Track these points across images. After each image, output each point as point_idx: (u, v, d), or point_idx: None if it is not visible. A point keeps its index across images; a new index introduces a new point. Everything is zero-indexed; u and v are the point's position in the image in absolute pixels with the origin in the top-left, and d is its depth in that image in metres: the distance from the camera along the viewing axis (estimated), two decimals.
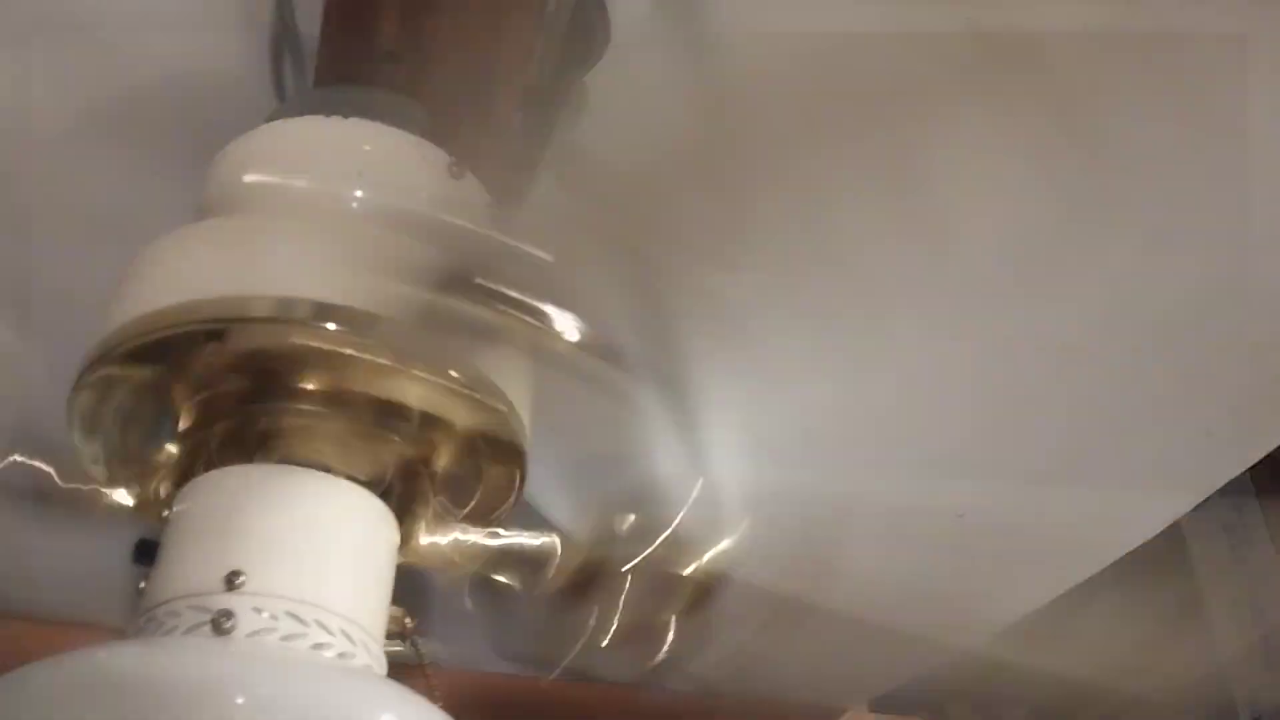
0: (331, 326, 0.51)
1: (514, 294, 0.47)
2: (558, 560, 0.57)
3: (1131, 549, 0.93)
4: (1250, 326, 0.85)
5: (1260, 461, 0.93)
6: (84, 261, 0.64)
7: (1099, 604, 1.03)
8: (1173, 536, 1.08)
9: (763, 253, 0.76)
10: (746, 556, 0.56)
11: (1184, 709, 1.18)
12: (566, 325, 0.49)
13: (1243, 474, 1.00)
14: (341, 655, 0.49)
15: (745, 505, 0.57)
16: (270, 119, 0.64)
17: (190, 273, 0.53)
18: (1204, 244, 0.78)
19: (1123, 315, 0.81)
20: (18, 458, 0.52)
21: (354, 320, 0.51)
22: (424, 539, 0.57)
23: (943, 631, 0.90)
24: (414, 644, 0.57)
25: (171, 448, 0.56)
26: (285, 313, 0.51)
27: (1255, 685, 1.41)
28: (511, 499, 0.57)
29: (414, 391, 0.54)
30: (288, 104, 0.65)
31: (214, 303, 0.51)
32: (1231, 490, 1.07)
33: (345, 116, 0.61)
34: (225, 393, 0.55)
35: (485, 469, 0.57)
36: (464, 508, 0.58)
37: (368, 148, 0.61)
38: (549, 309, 0.48)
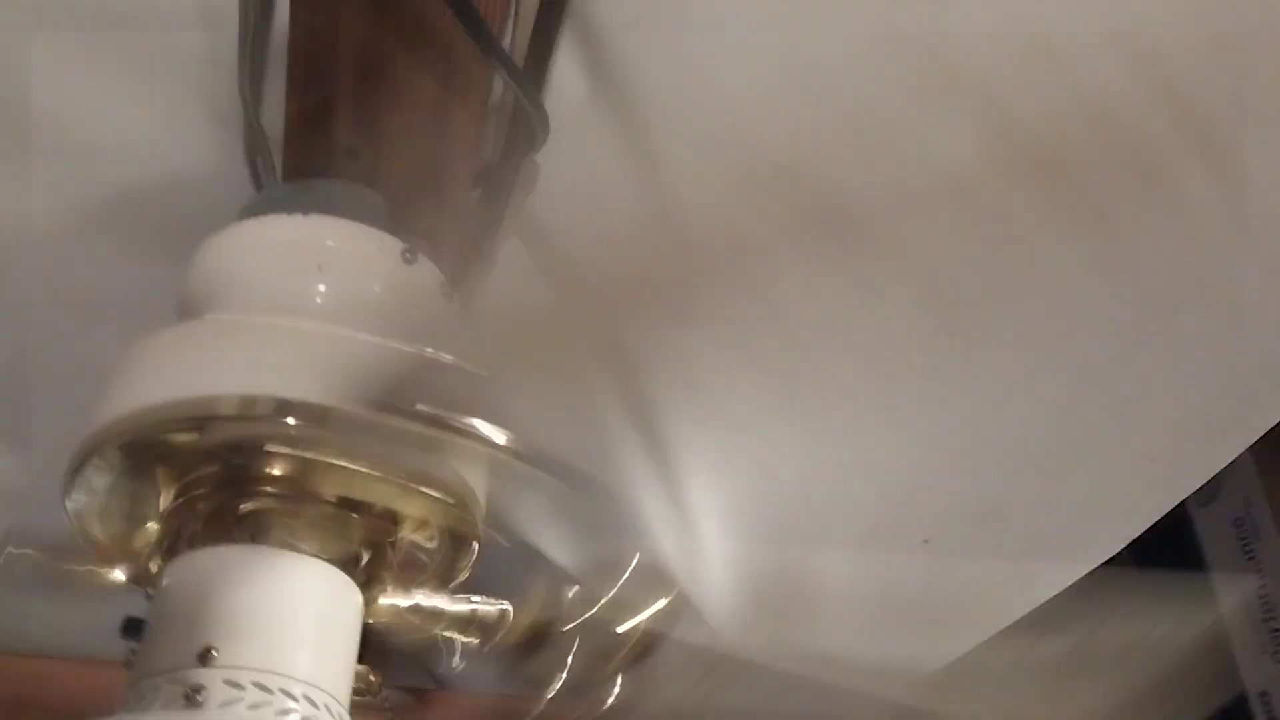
0: (290, 421, 0.57)
1: (446, 412, 0.53)
2: (508, 623, 0.63)
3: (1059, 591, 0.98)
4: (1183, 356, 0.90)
5: None
6: (80, 346, 0.70)
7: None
8: None
9: (713, 313, 0.81)
10: (683, 616, 0.62)
11: None
12: (501, 437, 0.54)
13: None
14: (304, 718, 0.55)
15: (684, 569, 0.62)
16: (241, 214, 0.70)
17: (168, 373, 0.59)
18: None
19: (1050, 358, 0.85)
20: (12, 550, 0.58)
21: (310, 415, 0.57)
22: (385, 602, 0.63)
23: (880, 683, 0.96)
24: (384, 700, 0.63)
25: (154, 526, 0.62)
26: (249, 410, 0.57)
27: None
28: (465, 573, 0.63)
29: (370, 486, 0.59)
30: (256, 200, 0.70)
31: (187, 403, 0.57)
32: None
33: (305, 213, 0.67)
34: (202, 478, 0.61)
35: (441, 546, 0.62)
36: (423, 574, 0.64)
37: (329, 243, 0.67)
38: (482, 424, 0.54)
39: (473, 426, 0.54)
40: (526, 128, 0.70)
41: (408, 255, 0.68)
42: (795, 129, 0.73)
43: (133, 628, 0.58)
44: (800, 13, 0.65)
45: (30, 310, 0.80)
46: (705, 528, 0.74)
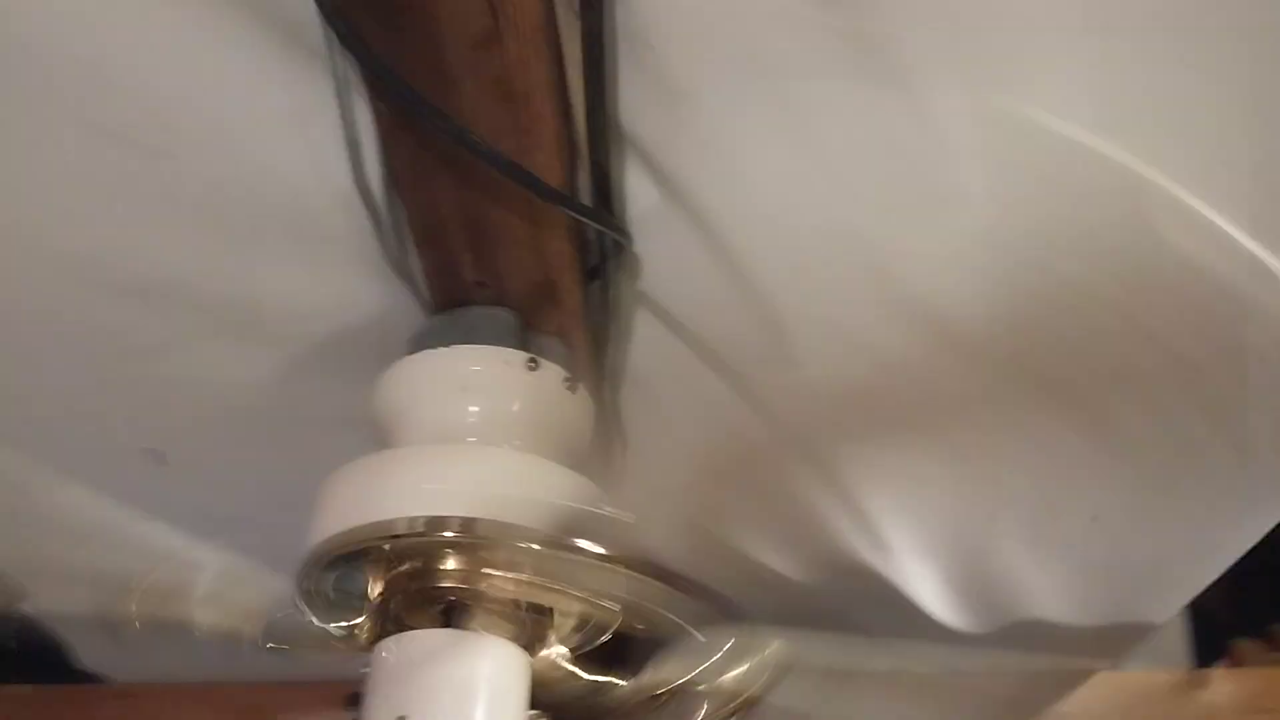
0: (449, 535, 0.72)
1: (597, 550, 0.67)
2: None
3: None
4: None
5: None
6: (292, 460, 0.89)
7: None
8: None
9: None
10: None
11: None
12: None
13: None
14: None
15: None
16: (407, 347, 0.86)
17: (368, 499, 0.76)
18: None
19: None
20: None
21: (489, 532, 0.72)
22: (542, 659, 0.77)
23: None
24: None
25: (365, 616, 0.78)
26: (436, 529, 0.72)
27: None
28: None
29: (541, 592, 0.74)
30: (416, 334, 0.86)
31: (386, 524, 0.73)
32: None
33: (449, 345, 0.82)
34: (401, 575, 0.77)
35: (585, 626, 0.77)
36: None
37: (473, 368, 0.82)
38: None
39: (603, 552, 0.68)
40: (612, 239, 0.82)
41: (531, 364, 0.82)
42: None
43: (354, 700, 0.74)
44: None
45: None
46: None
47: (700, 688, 0.79)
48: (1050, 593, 1.21)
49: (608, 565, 0.71)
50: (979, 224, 0.73)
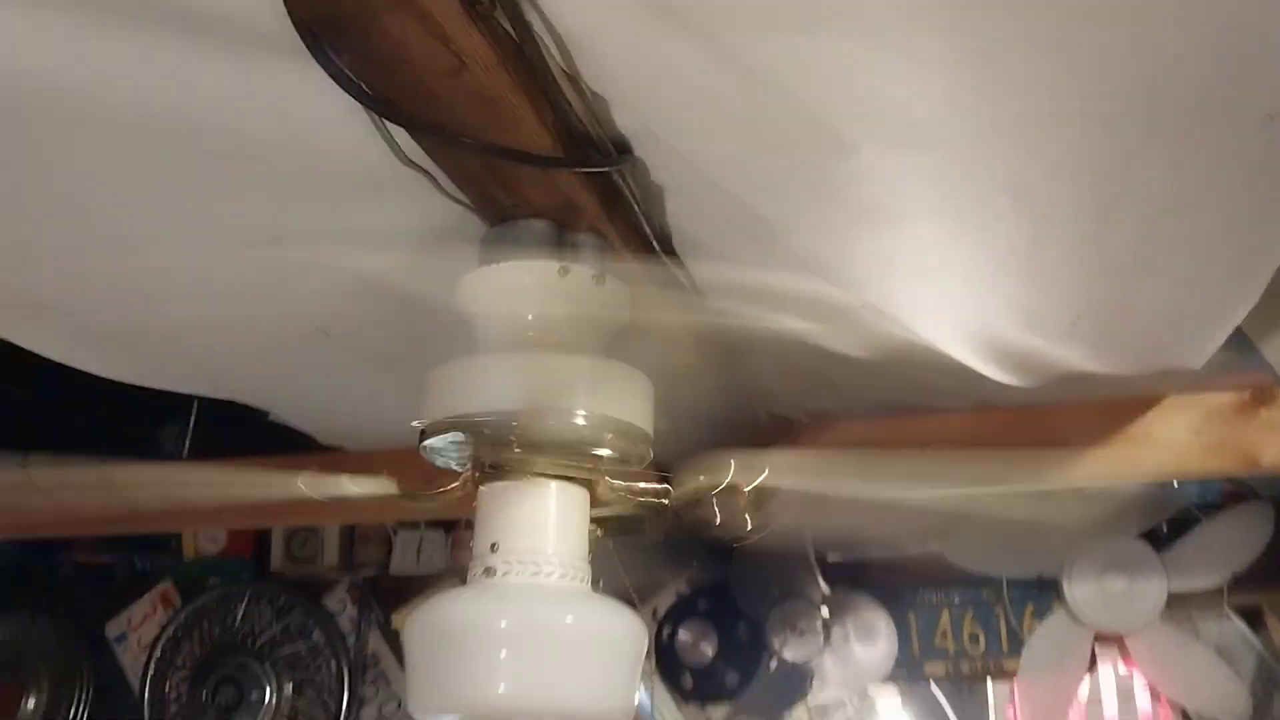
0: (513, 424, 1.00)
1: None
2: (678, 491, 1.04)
3: None
4: None
5: None
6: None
7: None
8: None
9: None
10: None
11: None
12: None
13: None
14: (562, 578, 1.00)
15: None
16: (478, 255, 1.10)
17: (462, 393, 1.04)
18: None
19: None
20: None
21: (531, 421, 0.99)
22: (604, 488, 1.05)
23: None
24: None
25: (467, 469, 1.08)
26: (505, 418, 1.00)
27: None
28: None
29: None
30: (480, 245, 1.10)
31: (471, 415, 1.02)
32: None
33: (499, 261, 1.06)
34: (489, 441, 1.05)
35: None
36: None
37: (524, 280, 1.06)
38: None
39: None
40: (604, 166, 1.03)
41: (563, 270, 1.06)
42: None
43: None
44: None
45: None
46: None
47: (716, 491, 1.06)
48: (1084, 355, 1.37)
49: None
50: None
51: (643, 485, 1.07)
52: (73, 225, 1.04)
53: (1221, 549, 2.21)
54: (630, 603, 1.08)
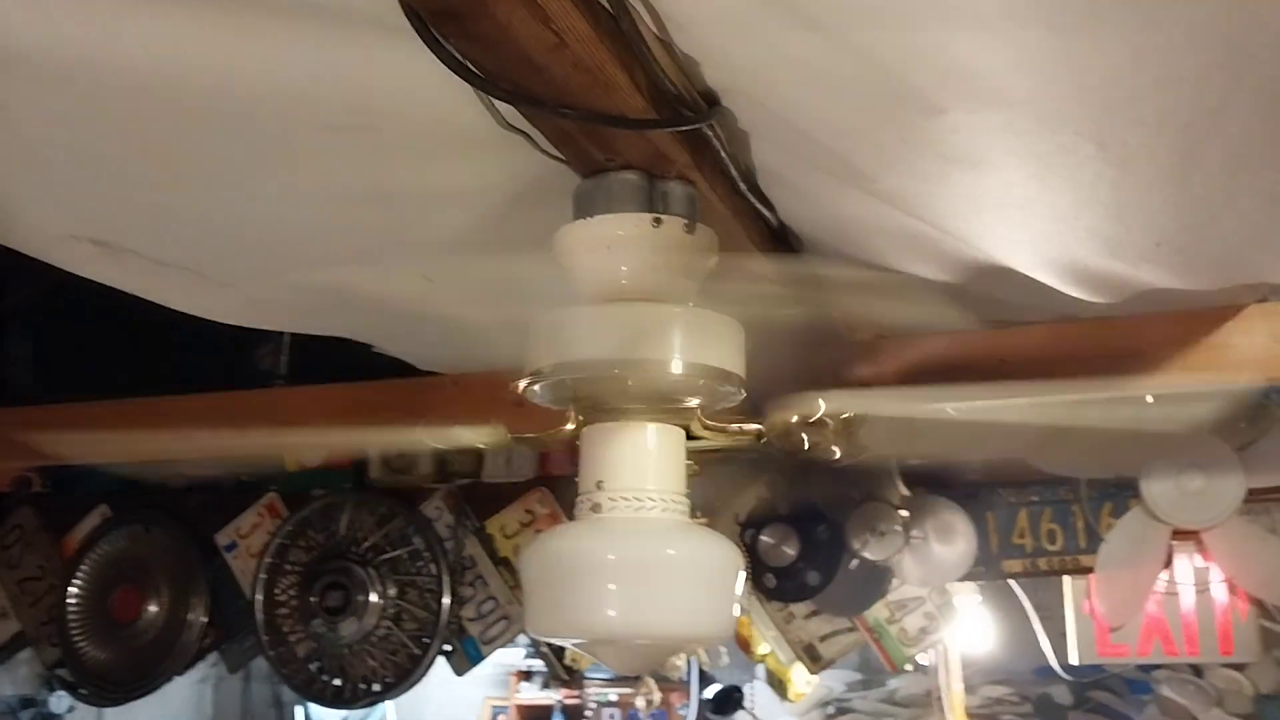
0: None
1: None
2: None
3: None
4: None
5: None
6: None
7: None
8: None
9: None
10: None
11: None
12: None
13: None
14: (663, 511, 1.07)
15: None
16: (573, 207, 1.16)
17: (562, 343, 1.10)
18: None
19: None
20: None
21: (626, 370, 1.05)
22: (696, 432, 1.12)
23: None
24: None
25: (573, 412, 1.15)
26: (602, 367, 1.07)
27: None
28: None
29: None
30: (575, 198, 1.15)
31: (572, 363, 1.08)
32: None
33: (592, 215, 1.12)
34: (596, 388, 1.12)
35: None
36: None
37: (618, 232, 1.11)
38: None
39: None
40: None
41: (655, 222, 1.11)
42: None
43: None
44: None
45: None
46: None
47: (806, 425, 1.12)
48: (1166, 276, 1.40)
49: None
50: None
51: (736, 425, 1.13)
52: (204, 194, 1.12)
53: None
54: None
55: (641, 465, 1.10)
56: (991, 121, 0.93)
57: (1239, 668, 4.45)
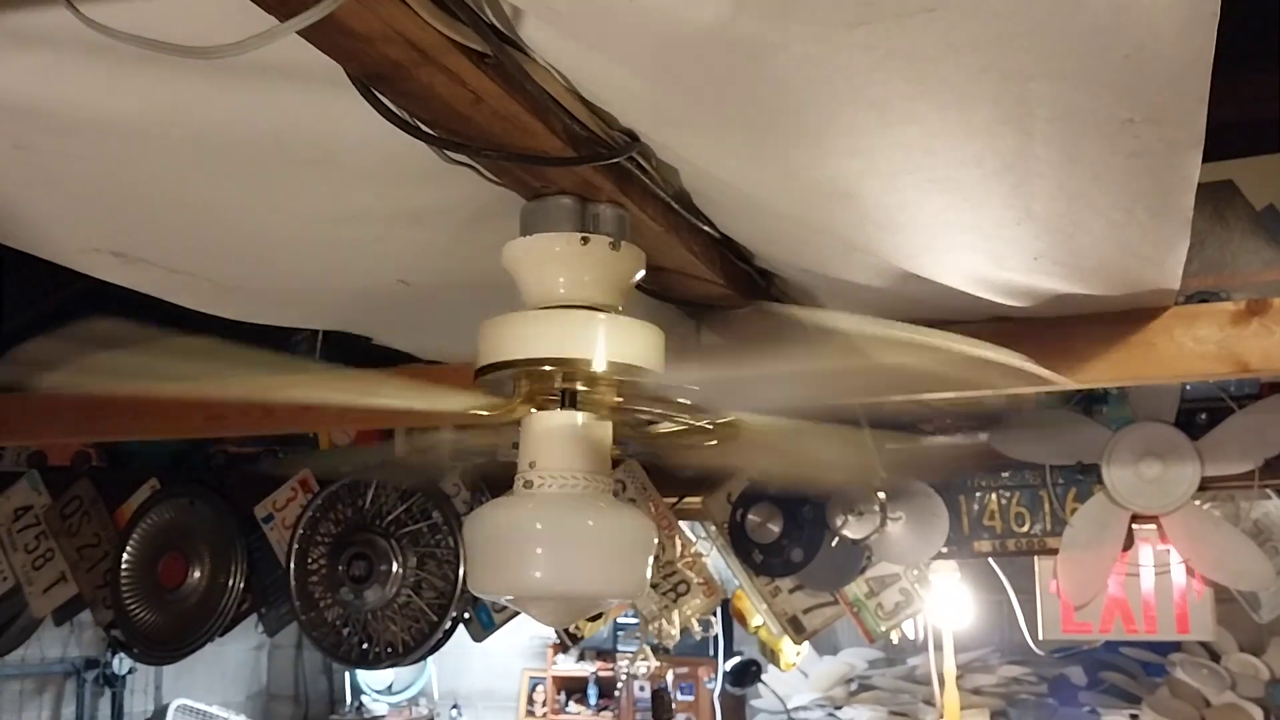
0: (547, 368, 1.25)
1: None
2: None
3: None
4: None
5: None
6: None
7: None
8: None
9: None
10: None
11: None
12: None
13: None
14: (585, 489, 1.26)
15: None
16: (520, 224, 1.35)
17: (508, 343, 1.29)
18: None
19: None
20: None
21: (557, 365, 1.24)
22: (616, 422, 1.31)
23: None
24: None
25: (516, 402, 1.34)
26: (538, 362, 1.26)
27: None
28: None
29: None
30: (521, 217, 1.34)
31: (520, 360, 1.27)
32: None
33: (530, 234, 1.31)
34: (539, 378, 1.31)
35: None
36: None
37: (555, 249, 1.30)
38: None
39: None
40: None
41: (583, 240, 1.30)
42: None
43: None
44: None
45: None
46: None
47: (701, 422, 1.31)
48: (1055, 282, 1.55)
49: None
50: None
51: (643, 417, 1.32)
52: (202, 214, 1.33)
53: (1254, 437, 2.36)
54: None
55: (569, 449, 1.29)
56: (856, 167, 1.12)
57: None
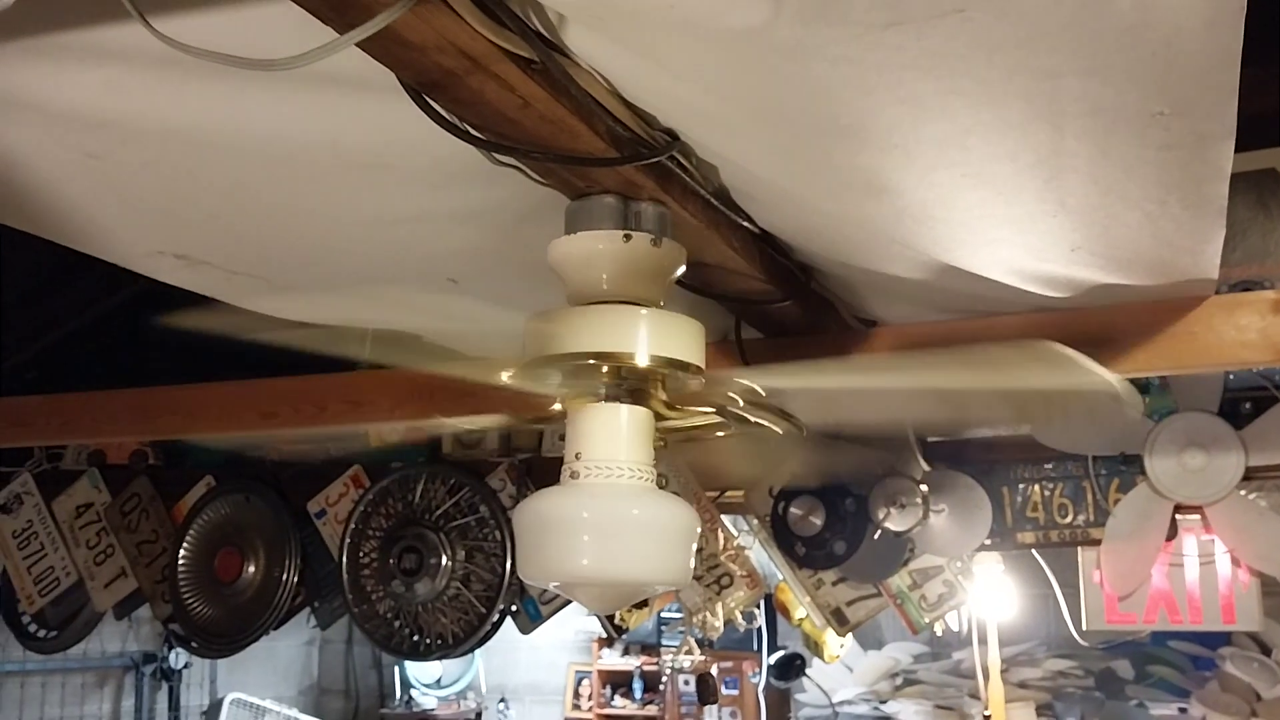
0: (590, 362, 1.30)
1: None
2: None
3: None
4: None
5: None
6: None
7: None
8: None
9: None
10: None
11: None
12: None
13: None
14: (630, 479, 1.30)
15: None
16: (565, 223, 1.39)
17: (554, 338, 1.33)
18: None
19: None
20: None
21: (600, 359, 1.29)
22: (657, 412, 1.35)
23: None
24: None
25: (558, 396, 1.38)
26: (582, 356, 1.30)
27: None
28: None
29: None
30: (566, 216, 1.39)
31: (564, 354, 1.31)
32: None
33: (575, 232, 1.35)
34: (584, 372, 1.35)
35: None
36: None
37: (598, 246, 1.34)
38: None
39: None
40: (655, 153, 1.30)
41: (626, 238, 1.34)
42: None
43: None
44: None
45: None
46: None
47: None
48: (1094, 273, 1.57)
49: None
50: None
51: (692, 408, 1.36)
52: (263, 220, 1.39)
53: None
54: None
55: (614, 440, 1.33)
56: (892, 162, 1.15)
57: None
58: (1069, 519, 2.57)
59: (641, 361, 1.31)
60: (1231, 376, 2.43)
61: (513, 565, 2.97)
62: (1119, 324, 1.93)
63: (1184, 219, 1.33)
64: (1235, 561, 2.48)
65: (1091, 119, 1.05)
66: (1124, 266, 1.54)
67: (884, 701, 5.24)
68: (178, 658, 5.65)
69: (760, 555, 2.90)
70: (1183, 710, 4.64)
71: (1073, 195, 1.21)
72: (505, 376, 1.36)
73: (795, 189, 1.35)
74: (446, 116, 1.16)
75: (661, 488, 1.39)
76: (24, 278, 3.19)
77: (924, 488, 2.58)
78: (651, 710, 6.53)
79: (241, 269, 1.53)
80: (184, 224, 1.43)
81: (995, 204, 1.27)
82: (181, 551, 3.25)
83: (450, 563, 3.01)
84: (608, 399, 1.36)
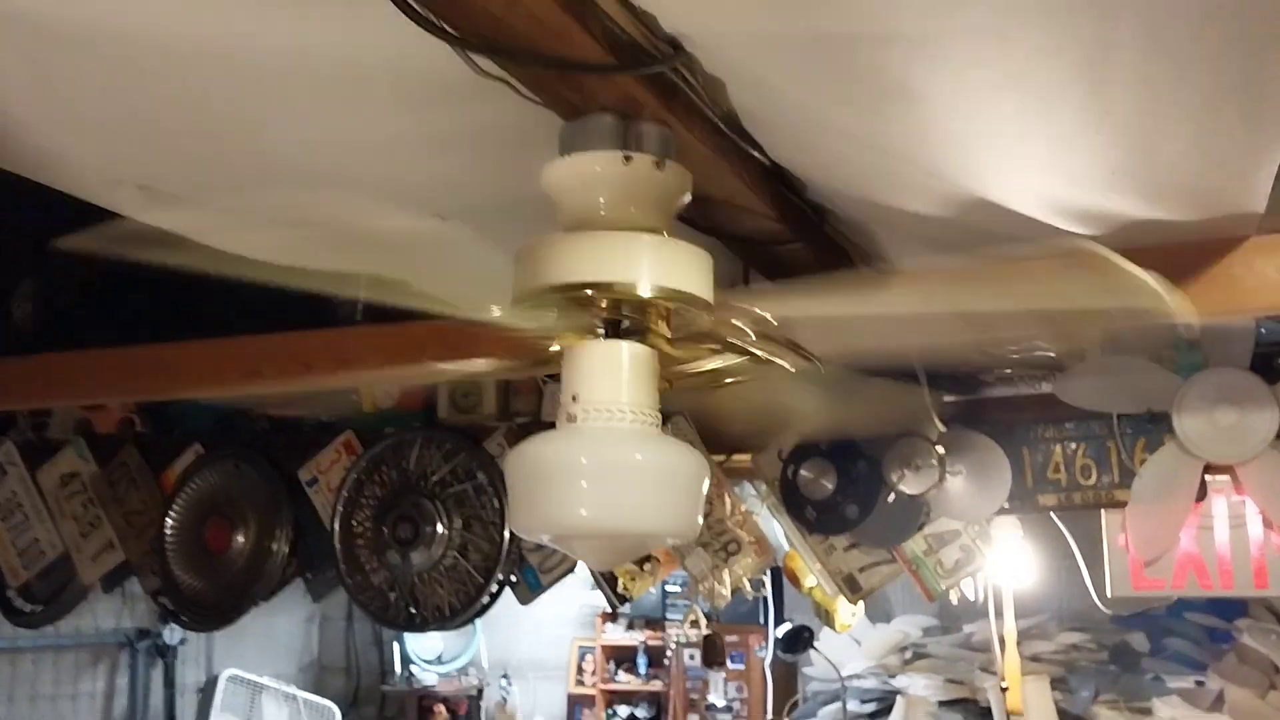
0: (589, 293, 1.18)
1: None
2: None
3: None
4: None
5: None
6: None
7: None
8: None
9: None
10: None
11: None
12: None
13: None
14: (632, 422, 1.19)
15: None
16: (558, 145, 1.27)
17: (548, 268, 1.21)
18: None
19: None
20: None
21: (600, 289, 1.17)
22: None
23: None
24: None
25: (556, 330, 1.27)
26: (578, 287, 1.18)
27: None
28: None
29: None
30: (560, 137, 1.27)
31: (560, 284, 1.20)
32: None
33: (570, 153, 1.23)
34: (581, 304, 1.23)
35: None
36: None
37: (596, 169, 1.22)
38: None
39: None
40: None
41: (626, 159, 1.22)
42: None
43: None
44: None
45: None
46: None
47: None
48: (1132, 204, 1.45)
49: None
50: None
51: (699, 346, 1.25)
52: (229, 143, 1.27)
53: None
54: None
55: (614, 380, 1.21)
56: (924, 57, 1.03)
57: None
58: (1092, 480, 2.45)
59: (644, 292, 1.20)
60: (1264, 330, 2.32)
61: (512, 534, 2.87)
62: (1152, 266, 1.80)
63: (1239, 134, 1.21)
64: (1267, 524, 2.37)
65: (1146, 8, 0.93)
66: (1165, 196, 1.42)
67: (893, 675, 5.14)
68: (173, 634, 5.55)
69: (768, 525, 2.79)
70: (1199, 683, 4.52)
71: (1119, 104, 1.09)
72: (496, 311, 1.24)
73: (813, 102, 1.23)
74: (422, 12, 1.04)
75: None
76: None
77: (940, 448, 2.47)
78: (656, 685, 6.45)
79: (209, 201, 1.41)
80: (143, 148, 1.31)
81: (1033, 116, 1.15)
82: (169, 522, 3.14)
83: (447, 531, 2.90)
84: (607, 336, 1.24)
